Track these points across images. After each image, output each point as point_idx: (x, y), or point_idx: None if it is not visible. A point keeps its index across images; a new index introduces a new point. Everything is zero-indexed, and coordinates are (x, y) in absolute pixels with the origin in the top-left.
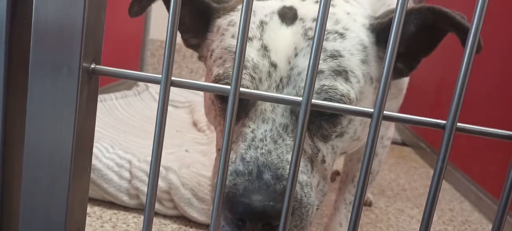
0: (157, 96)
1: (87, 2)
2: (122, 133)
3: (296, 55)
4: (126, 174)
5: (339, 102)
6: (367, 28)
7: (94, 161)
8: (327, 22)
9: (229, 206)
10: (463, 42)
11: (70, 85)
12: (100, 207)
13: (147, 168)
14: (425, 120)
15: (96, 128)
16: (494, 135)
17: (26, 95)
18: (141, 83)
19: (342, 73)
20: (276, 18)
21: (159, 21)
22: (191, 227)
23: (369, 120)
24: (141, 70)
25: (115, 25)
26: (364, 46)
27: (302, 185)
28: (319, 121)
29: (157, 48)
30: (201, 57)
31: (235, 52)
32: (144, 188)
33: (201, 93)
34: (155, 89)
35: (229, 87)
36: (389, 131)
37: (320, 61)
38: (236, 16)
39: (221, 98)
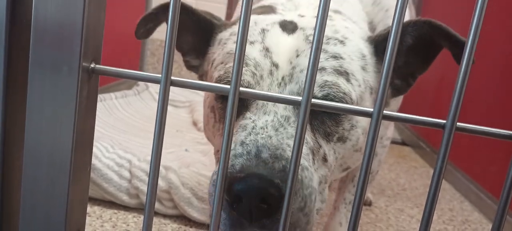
0: (157, 96)
1: (87, 2)
2: (122, 132)
3: (297, 56)
4: (126, 174)
5: (341, 101)
6: (365, 40)
7: (94, 161)
8: (327, 30)
9: (226, 186)
10: (456, 56)
11: (69, 84)
12: (100, 206)
13: (147, 167)
14: (425, 120)
15: (96, 128)
16: (494, 135)
17: (26, 95)
18: (141, 83)
19: (343, 74)
20: (277, 27)
21: None
22: (191, 227)
23: None
24: (141, 70)
25: (115, 25)
26: (363, 54)
27: (303, 168)
28: (322, 117)
29: (157, 48)
30: (201, 76)
31: (235, 51)
32: (144, 188)
33: (201, 93)
34: (155, 88)
35: (228, 87)
36: (388, 131)
37: (322, 60)
38: (237, 28)
39: (222, 98)
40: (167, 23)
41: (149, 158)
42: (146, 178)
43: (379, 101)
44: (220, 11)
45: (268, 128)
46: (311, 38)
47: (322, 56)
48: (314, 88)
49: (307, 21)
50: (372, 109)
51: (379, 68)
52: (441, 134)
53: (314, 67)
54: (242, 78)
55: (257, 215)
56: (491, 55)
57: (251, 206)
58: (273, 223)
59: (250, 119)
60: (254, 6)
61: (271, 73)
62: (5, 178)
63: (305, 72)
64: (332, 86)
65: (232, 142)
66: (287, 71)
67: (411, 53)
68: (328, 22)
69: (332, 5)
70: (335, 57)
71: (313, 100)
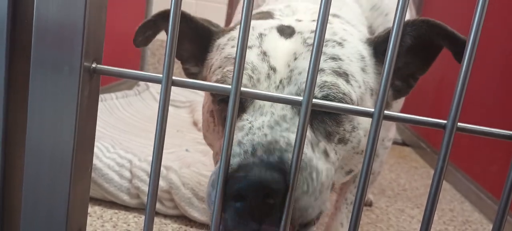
0: (157, 96)
1: (88, 2)
2: (123, 132)
3: (295, 59)
4: (127, 174)
5: (341, 102)
6: (364, 42)
7: (94, 161)
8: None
9: (227, 189)
10: (456, 55)
11: (71, 84)
12: (100, 206)
13: (147, 167)
14: (426, 120)
15: (97, 128)
16: (495, 135)
17: (27, 94)
18: (141, 83)
19: (342, 75)
20: (274, 31)
21: None
22: (191, 227)
23: None
24: (142, 70)
25: (116, 25)
26: (362, 56)
27: (304, 153)
28: (322, 116)
29: (158, 48)
30: None
31: (236, 52)
32: (145, 188)
33: (202, 93)
34: (155, 89)
35: (229, 86)
36: (390, 132)
37: (321, 62)
38: (235, 32)
39: (219, 100)
40: (168, 24)
41: (150, 158)
42: (146, 178)
43: (380, 101)
44: (220, 11)
45: (264, 127)
46: (309, 41)
47: (321, 58)
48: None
49: (305, 25)
50: (372, 110)
51: (379, 70)
52: (441, 134)
53: (315, 67)
54: None
55: (258, 212)
56: (491, 55)
57: (251, 202)
58: (275, 216)
59: (247, 120)
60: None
61: (268, 76)
62: (6, 177)
63: (303, 74)
64: (331, 86)
65: None
66: (285, 74)
67: (410, 54)
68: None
69: (330, 10)
70: (334, 58)
71: (314, 100)
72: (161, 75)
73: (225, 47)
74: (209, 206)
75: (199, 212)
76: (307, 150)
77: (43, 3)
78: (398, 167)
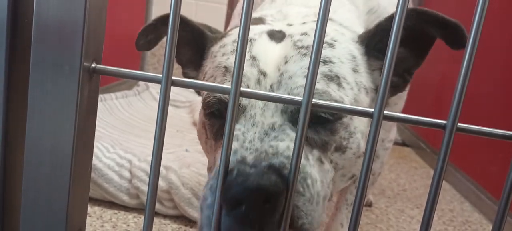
0: (157, 96)
1: (88, 1)
2: (123, 132)
3: (286, 62)
4: (127, 174)
5: (334, 111)
6: (356, 42)
7: (94, 161)
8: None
9: (223, 196)
10: (448, 41)
11: (70, 84)
12: (100, 206)
13: (147, 167)
14: (426, 120)
15: (97, 128)
16: (495, 135)
17: (27, 94)
18: (141, 83)
19: (334, 78)
20: (265, 36)
21: None
22: (191, 227)
23: None
24: (142, 70)
25: (116, 25)
26: (354, 56)
27: (290, 158)
28: (316, 127)
29: (158, 48)
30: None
31: (235, 53)
32: (145, 188)
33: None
34: (155, 89)
35: (229, 87)
36: (390, 134)
37: (311, 67)
38: (227, 39)
39: (210, 115)
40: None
41: (150, 158)
42: (146, 178)
43: (380, 102)
44: (220, 12)
45: (255, 140)
46: (299, 43)
47: (311, 62)
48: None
49: (295, 28)
50: (372, 110)
51: (372, 67)
52: (441, 134)
53: (315, 67)
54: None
55: (257, 218)
56: (491, 55)
57: (249, 207)
58: (272, 223)
59: (240, 130)
60: None
61: (258, 81)
62: (6, 177)
63: (294, 78)
64: (322, 94)
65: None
66: (275, 78)
67: (404, 48)
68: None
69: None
70: (324, 62)
71: (314, 100)
72: (160, 76)
73: (217, 55)
74: (202, 210)
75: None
76: (304, 159)
77: (43, 2)
78: (398, 167)
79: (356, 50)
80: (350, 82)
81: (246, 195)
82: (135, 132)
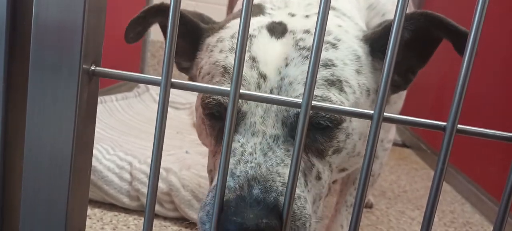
0: (157, 98)
1: (87, 4)
2: (123, 134)
3: (286, 65)
4: (127, 176)
5: (333, 116)
6: (360, 40)
7: (94, 163)
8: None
9: (221, 225)
10: (457, 48)
11: (70, 86)
12: (100, 209)
13: (147, 169)
14: (425, 122)
15: (97, 130)
16: (495, 137)
17: (27, 97)
18: (141, 85)
19: (335, 83)
20: (264, 31)
21: None
22: (191, 229)
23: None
24: (142, 72)
25: (116, 26)
26: (358, 56)
27: (295, 198)
28: (314, 134)
29: (158, 49)
30: (191, 79)
31: (235, 53)
32: (145, 190)
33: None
34: (156, 90)
35: (229, 89)
36: (389, 134)
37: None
38: (224, 33)
39: (210, 116)
40: (158, 18)
41: (150, 160)
42: (146, 180)
43: (379, 104)
44: (220, 13)
45: (257, 152)
46: (301, 43)
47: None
48: None
49: (297, 22)
50: (372, 112)
51: (376, 67)
52: (442, 135)
53: (315, 68)
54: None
55: None
56: (491, 57)
57: None
58: None
59: (239, 141)
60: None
61: (258, 85)
62: (6, 180)
63: (294, 85)
64: (322, 101)
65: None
66: (275, 82)
67: (408, 48)
68: None
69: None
70: (327, 65)
71: (313, 102)
72: (160, 78)
73: (214, 50)
74: None
75: None
76: (299, 189)
77: (42, 5)
78: (398, 169)
79: (361, 49)
80: (353, 85)
81: None
82: (135, 134)
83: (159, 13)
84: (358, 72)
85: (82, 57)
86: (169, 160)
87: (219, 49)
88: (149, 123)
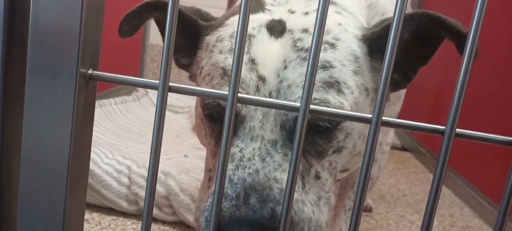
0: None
1: (84, 7)
2: (122, 138)
3: (285, 67)
4: (125, 180)
5: (331, 118)
6: (359, 39)
7: (93, 167)
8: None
9: None
10: (459, 48)
11: (67, 91)
12: (99, 213)
13: (146, 173)
14: (424, 126)
15: (95, 133)
16: (493, 141)
17: (24, 101)
18: (140, 89)
19: (334, 84)
20: (264, 31)
21: None
22: None
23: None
24: (141, 76)
25: (115, 31)
26: (356, 56)
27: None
28: (313, 137)
29: (157, 53)
30: (191, 77)
31: (233, 56)
32: (143, 194)
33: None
34: (154, 94)
35: (227, 93)
36: (388, 137)
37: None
38: (223, 32)
39: (210, 117)
40: (154, 14)
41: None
42: (145, 184)
43: (378, 108)
44: (220, 14)
45: (256, 158)
46: (299, 44)
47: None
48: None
49: (296, 20)
50: (370, 116)
51: (374, 66)
52: (440, 139)
53: (313, 71)
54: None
55: None
56: (490, 59)
57: None
58: None
59: (238, 146)
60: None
61: (257, 88)
62: (3, 184)
63: (292, 88)
64: (320, 104)
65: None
66: (274, 85)
67: (408, 47)
68: None
69: None
70: (325, 67)
71: (311, 106)
72: (157, 82)
73: (214, 50)
74: None
75: None
76: (296, 193)
77: (40, 9)
78: (397, 172)
79: (359, 50)
80: (351, 86)
81: None
82: (134, 138)
83: (156, 10)
84: (356, 72)
85: (80, 61)
86: (168, 163)
87: (218, 50)
88: (148, 126)
